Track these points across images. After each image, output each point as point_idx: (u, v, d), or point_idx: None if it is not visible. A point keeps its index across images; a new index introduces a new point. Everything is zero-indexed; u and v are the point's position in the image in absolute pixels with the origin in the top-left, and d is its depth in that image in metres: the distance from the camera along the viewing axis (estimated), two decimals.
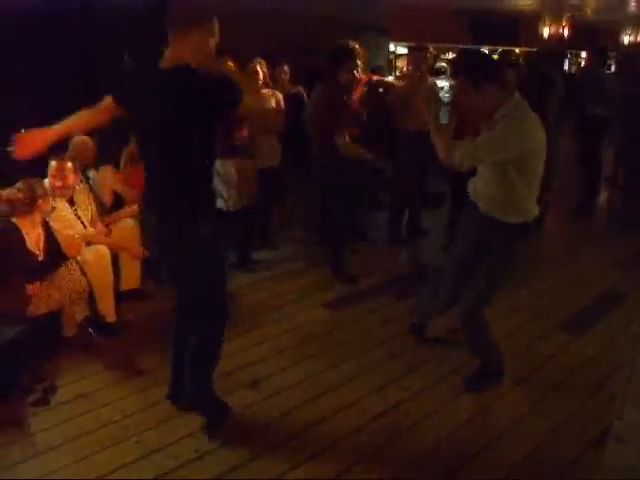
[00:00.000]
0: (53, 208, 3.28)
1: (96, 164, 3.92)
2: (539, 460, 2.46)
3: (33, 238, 3.10)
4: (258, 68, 4.24)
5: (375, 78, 4.63)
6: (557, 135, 5.08)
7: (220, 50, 2.39)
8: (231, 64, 3.81)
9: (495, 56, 11.29)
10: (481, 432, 2.61)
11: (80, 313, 3.20)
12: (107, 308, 3.37)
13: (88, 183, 3.76)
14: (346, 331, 3.51)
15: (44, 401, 2.77)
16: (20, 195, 3.03)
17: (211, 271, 2.40)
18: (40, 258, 3.12)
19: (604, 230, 5.72)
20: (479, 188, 2.69)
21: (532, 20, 12.05)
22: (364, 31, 6.83)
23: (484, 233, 2.71)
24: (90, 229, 3.51)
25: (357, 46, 3.80)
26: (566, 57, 13.77)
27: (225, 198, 4.03)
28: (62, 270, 3.15)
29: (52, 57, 5.51)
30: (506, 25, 12.49)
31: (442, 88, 8.46)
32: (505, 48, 12.18)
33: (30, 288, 3.03)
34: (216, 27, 2.22)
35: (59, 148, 3.66)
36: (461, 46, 10.49)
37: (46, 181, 3.37)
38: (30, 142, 2.32)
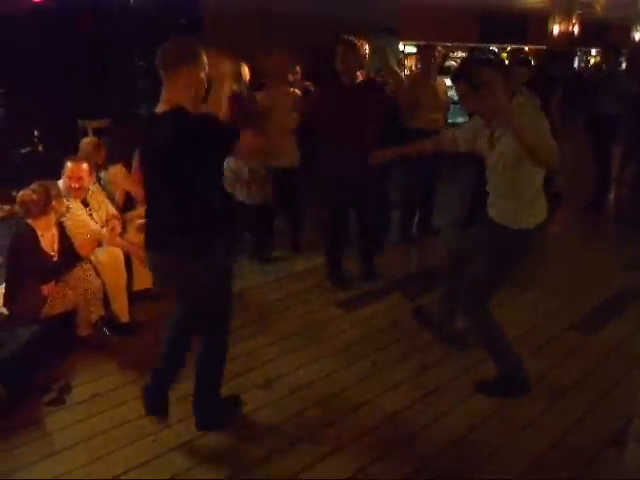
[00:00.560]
0: (68, 208, 3.31)
1: (106, 164, 3.95)
2: (555, 460, 2.44)
3: (48, 239, 3.13)
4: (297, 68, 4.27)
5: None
6: (563, 134, 5.06)
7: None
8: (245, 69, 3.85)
9: (504, 54, 11.25)
10: (496, 431, 2.60)
11: (95, 313, 3.23)
12: (121, 308, 3.39)
13: (100, 184, 3.79)
14: (359, 330, 3.50)
15: (59, 401, 2.79)
16: (34, 197, 3.06)
17: (215, 295, 2.42)
18: (55, 259, 3.14)
19: (615, 229, 5.67)
20: (491, 200, 2.72)
21: (541, 18, 11.97)
22: (375, 31, 6.81)
23: (493, 239, 2.73)
24: (103, 230, 3.53)
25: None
26: (576, 55, 13.67)
27: (236, 195, 4.05)
28: (77, 271, 3.17)
29: (64, 59, 5.56)
30: (515, 23, 12.43)
31: (451, 87, 8.45)
32: (514, 46, 12.11)
33: (45, 289, 3.05)
34: (205, 59, 2.24)
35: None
36: (470, 45, 10.46)
37: (60, 182, 3.41)
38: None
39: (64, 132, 5.11)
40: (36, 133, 5.62)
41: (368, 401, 2.81)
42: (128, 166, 4.17)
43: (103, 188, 3.80)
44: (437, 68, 4.87)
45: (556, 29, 11.77)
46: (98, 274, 3.28)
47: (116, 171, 3.98)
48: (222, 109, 2.35)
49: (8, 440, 2.51)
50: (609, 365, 3.15)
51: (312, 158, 4.53)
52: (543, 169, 2.52)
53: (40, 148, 5.60)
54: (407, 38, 9.64)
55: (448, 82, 5.35)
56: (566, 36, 11.84)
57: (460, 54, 11.03)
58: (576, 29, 11.86)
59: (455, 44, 11.24)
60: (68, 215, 3.32)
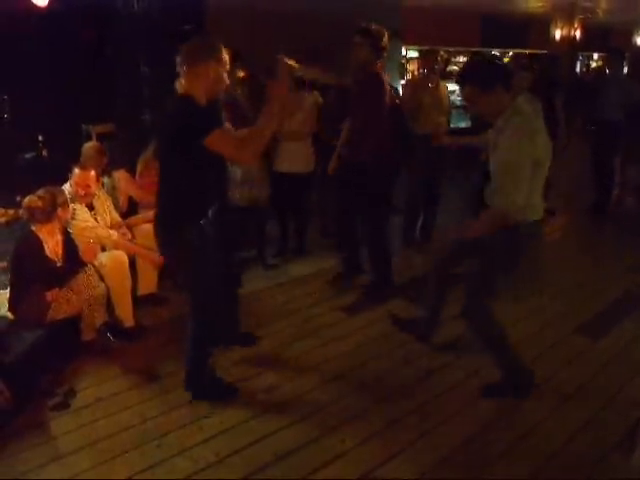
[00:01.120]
0: (73, 212, 3.32)
1: (109, 169, 3.97)
2: (561, 463, 2.44)
3: (52, 245, 3.13)
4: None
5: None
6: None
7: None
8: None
9: (506, 59, 11.27)
10: (501, 436, 2.60)
11: (99, 318, 3.23)
12: (125, 313, 3.40)
13: (103, 189, 3.80)
14: (361, 335, 3.50)
15: (64, 405, 2.79)
16: (40, 203, 3.07)
17: (195, 273, 2.65)
18: (59, 264, 3.15)
19: (618, 234, 5.66)
20: (488, 194, 2.72)
21: (543, 23, 12.00)
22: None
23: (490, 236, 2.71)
24: (111, 232, 3.54)
25: None
26: (578, 59, 13.68)
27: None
28: (81, 276, 3.18)
29: (68, 64, 5.59)
30: (517, 28, 12.46)
31: (453, 92, 8.47)
32: (516, 51, 12.14)
33: (49, 294, 3.06)
34: (224, 56, 2.49)
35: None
36: (473, 49, 10.48)
37: (66, 187, 3.42)
38: None
39: (68, 137, 5.13)
40: (40, 138, 5.64)
41: (372, 406, 2.81)
42: (132, 171, 4.19)
43: (106, 193, 3.81)
44: (440, 72, 4.89)
45: (558, 34, 11.79)
46: (102, 279, 3.28)
47: (119, 176, 4.00)
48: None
49: (13, 444, 2.51)
50: (614, 369, 3.14)
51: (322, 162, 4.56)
52: (541, 171, 2.59)
53: (44, 153, 5.62)
54: (409, 43, 9.65)
55: (450, 86, 5.38)
56: (568, 41, 11.86)
57: (462, 58, 11.05)
58: (578, 34, 11.88)
59: (457, 49, 11.26)
60: (74, 221, 3.33)
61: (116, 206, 3.86)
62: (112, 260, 3.38)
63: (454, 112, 5.78)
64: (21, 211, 3.26)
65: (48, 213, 3.07)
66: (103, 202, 3.63)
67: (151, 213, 3.82)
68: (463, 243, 2.93)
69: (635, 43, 14.07)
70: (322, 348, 3.34)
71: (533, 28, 12.50)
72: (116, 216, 3.75)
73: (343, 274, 4.27)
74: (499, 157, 2.54)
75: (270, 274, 4.40)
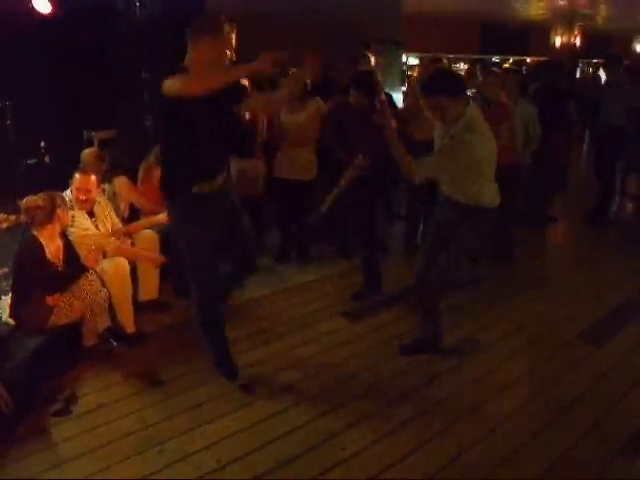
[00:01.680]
0: (72, 218, 3.32)
1: (109, 176, 3.97)
2: (564, 469, 2.42)
3: (53, 249, 3.13)
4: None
5: None
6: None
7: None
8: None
9: (507, 65, 11.32)
10: (505, 441, 2.59)
11: (101, 323, 3.23)
12: (126, 318, 3.39)
13: (103, 194, 3.80)
14: (363, 342, 3.49)
15: (66, 411, 2.78)
16: (40, 203, 3.07)
17: (185, 248, 2.74)
18: (60, 269, 3.15)
19: (620, 240, 5.66)
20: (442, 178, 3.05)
21: (543, 30, 12.07)
22: (378, 43, 6.86)
23: (443, 210, 3.09)
24: (111, 239, 3.54)
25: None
26: (578, 66, 13.75)
27: None
28: (83, 281, 3.17)
29: (70, 71, 5.61)
30: (516, 35, 12.53)
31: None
32: (516, 58, 12.20)
33: (50, 299, 3.05)
34: (226, 35, 2.50)
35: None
36: (473, 56, 10.53)
37: (66, 193, 3.42)
38: None
39: (70, 143, 5.13)
40: (42, 144, 5.65)
41: (373, 412, 2.80)
42: (133, 177, 4.19)
43: (107, 199, 3.82)
44: None
45: (558, 41, 11.85)
46: (104, 284, 3.28)
47: (120, 182, 4.00)
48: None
49: (14, 450, 2.50)
50: (617, 375, 3.14)
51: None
52: (488, 169, 2.89)
53: (46, 159, 5.63)
54: (410, 50, 9.71)
55: None
56: (568, 48, 11.93)
57: (462, 65, 11.11)
58: (578, 41, 11.95)
59: (457, 56, 11.32)
60: (72, 226, 3.33)
61: (117, 212, 3.87)
62: (113, 266, 3.37)
63: None
64: (22, 216, 3.27)
65: (47, 214, 3.07)
66: (104, 209, 3.63)
67: (152, 219, 3.86)
68: (430, 241, 3.20)
69: (635, 50, 14.13)
70: (324, 354, 3.34)
71: (533, 35, 12.57)
72: (117, 222, 3.75)
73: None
74: (466, 157, 2.76)
75: (272, 281, 4.40)
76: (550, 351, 3.38)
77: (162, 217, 3.91)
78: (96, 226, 3.53)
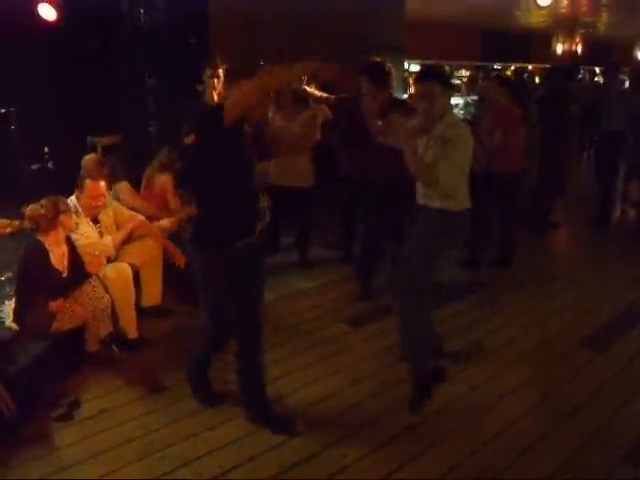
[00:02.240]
0: (77, 224, 3.33)
1: (110, 182, 3.98)
2: (569, 475, 2.42)
3: (57, 255, 3.14)
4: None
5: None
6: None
7: None
8: None
9: (508, 72, 11.35)
10: (508, 447, 2.58)
11: (104, 329, 3.23)
12: (129, 324, 3.40)
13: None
14: (366, 348, 3.49)
15: (68, 416, 2.79)
16: (43, 211, 3.08)
17: (204, 283, 2.68)
18: (64, 275, 3.15)
19: (622, 246, 5.66)
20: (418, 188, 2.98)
21: (544, 37, 12.11)
22: (380, 49, 6.89)
23: (418, 218, 2.99)
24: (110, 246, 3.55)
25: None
26: (579, 73, 13.78)
27: None
28: (85, 287, 3.18)
29: (74, 77, 5.64)
30: (518, 42, 12.57)
31: (457, 105, 8.53)
32: (517, 65, 12.23)
33: (53, 304, 3.06)
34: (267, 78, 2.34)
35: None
36: (474, 63, 10.57)
37: (71, 198, 3.43)
38: None
39: (74, 149, 5.16)
40: (46, 149, 5.68)
41: (377, 418, 2.79)
42: (136, 183, 4.20)
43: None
44: None
45: (559, 48, 11.89)
46: (107, 290, 3.28)
47: (122, 188, 4.01)
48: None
49: (17, 455, 2.50)
50: (620, 381, 3.13)
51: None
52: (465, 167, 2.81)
53: (50, 164, 5.66)
54: (412, 57, 9.74)
55: (455, 100, 5.42)
56: (569, 55, 11.96)
57: (464, 72, 11.14)
58: (579, 48, 11.99)
59: (459, 63, 11.36)
60: (77, 232, 3.34)
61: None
62: (116, 272, 3.38)
63: None
64: (25, 222, 3.28)
65: (51, 220, 3.08)
66: (109, 216, 3.64)
67: (155, 225, 3.87)
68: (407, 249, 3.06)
69: (636, 57, 14.17)
70: (325, 361, 3.33)
71: (534, 42, 12.61)
72: (127, 212, 3.74)
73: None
74: (460, 156, 2.73)
75: (273, 287, 4.39)
76: (554, 357, 3.38)
77: (165, 223, 3.93)
78: (100, 233, 3.54)
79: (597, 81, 11.46)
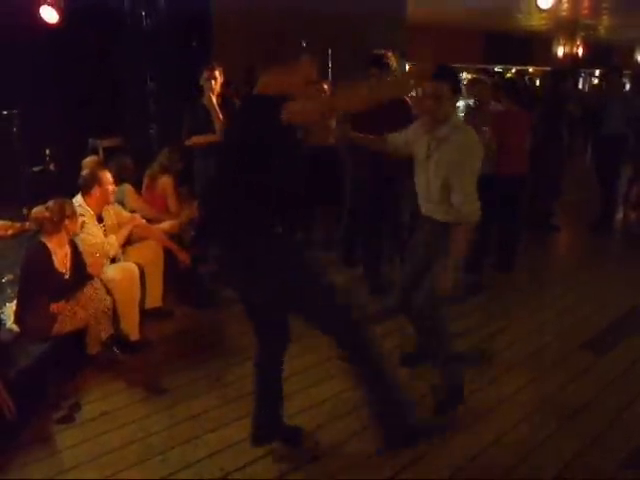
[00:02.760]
0: (83, 224, 3.33)
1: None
2: (570, 479, 2.42)
3: (60, 257, 3.14)
4: (325, 86, 4.39)
5: None
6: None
7: None
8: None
9: (509, 74, 11.36)
10: (509, 452, 2.57)
11: (105, 331, 3.22)
12: (131, 326, 3.40)
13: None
14: None
15: (69, 418, 2.79)
16: (48, 214, 3.09)
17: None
18: (66, 277, 3.16)
19: (624, 248, 5.66)
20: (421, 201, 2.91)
21: (546, 40, 12.11)
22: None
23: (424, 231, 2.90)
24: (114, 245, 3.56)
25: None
26: (580, 76, 13.79)
27: None
28: (87, 289, 3.18)
29: (76, 79, 5.65)
30: (519, 45, 12.57)
31: (457, 107, 8.52)
32: (519, 68, 12.25)
33: (56, 307, 3.06)
34: (309, 66, 2.22)
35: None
36: (477, 66, 10.57)
37: (76, 199, 3.43)
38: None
39: (75, 150, 5.17)
40: (47, 152, 5.69)
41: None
42: (137, 186, 4.21)
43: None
44: None
45: (560, 51, 11.90)
46: (109, 292, 3.28)
47: (126, 190, 4.02)
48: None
49: (18, 457, 2.51)
50: (621, 385, 3.12)
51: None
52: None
53: (52, 166, 5.67)
54: (413, 60, 9.74)
55: (458, 102, 5.41)
56: (570, 57, 11.97)
57: (466, 75, 11.14)
58: (580, 51, 11.99)
59: (461, 65, 11.35)
60: (82, 235, 3.35)
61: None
62: (122, 272, 3.38)
63: None
64: (28, 223, 3.28)
65: (56, 224, 3.09)
66: (111, 216, 3.64)
67: (157, 227, 3.87)
68: (414, 264, 2.95)
69: (637, 60, 14.17)
70: (323, 364, 3.32)
71: (536, 45, 12.61)
72: (127, 214, 3.77)
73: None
74: (467, 169, 2.60)
75: None
76: (554, 360, 3.37)
77: (166, 226, 3.94)
78: (105, 232, 3.54)
79: (596, 84, 11.50)
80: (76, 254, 3.24)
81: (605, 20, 10.89)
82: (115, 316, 3.34)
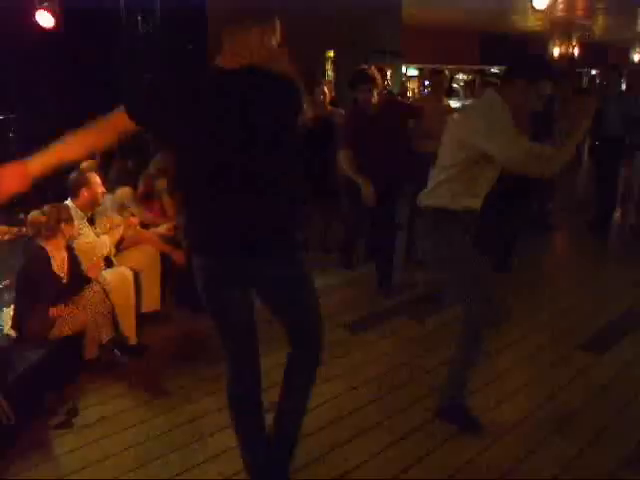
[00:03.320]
0: (80, 229, 3.33)
1: (111, 187, 3.99)
2: (571, 477, 2.41)
3: (59, 261, 3.14)
4: (325, 89, 4.40)
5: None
6: None
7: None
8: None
9: None
10: (507, 452, 2.57)
11: (106, 334, 3.21)
12: (129, 330, 3.39)
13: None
14: (365, 352, 3.49)
15: (67, 424, 2.77)
16: (43, 219, 3.08)
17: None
18: (65, 281, 3.15)
19: (621, 248, 5.67)
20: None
21: (541, 40, 12.14)
22: (378, 54, 6.92)
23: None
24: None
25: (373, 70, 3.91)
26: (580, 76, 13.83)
27: None
28: (86, 292, 3.18)
29: (74, 84, 5.65)
30: (516, 45, 12.59)
31: (454, 109, 8.54)
32: None
33: (53, 310, 3.06)
34: (277, 26, 1.94)
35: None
36: (475, 67, 10.60)
37: (68, 203, 3.43)
38: (7, 181, 1.89)
39: None
40: None
41: (377, 424, 2.78)
42: (135, 189, 4.21)
43: (106, 211, 3.81)
44: (445, 91, 4.97)
45: (556, 51, 11.93)
46: (107, 296, 3.28)
47: (123, 193, 4.01)
48: None
49: (15, 463, 2.49)
50: (619, 385, 3.12)
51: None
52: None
53: None
54: (409, 61, 9.77)
55: (454, 104, 5.44)
56: (566, 58, 12.00)
57: (462, 76, 11.16)
58: (576, 51, 12.02)
59: (457, 66, 11.38)
60: (79, 240, 3.35)
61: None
62: (117, 276, 3.38)
63: None
64: (24, 228, 3.28)
65: (52, 228, 3.08)
66: (103, 217, 3.64)
67: (154, 231, 3.87)
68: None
69: (632, 60, 14.21)
70: (324, 366, 3.29)
71: (532, 46, 12.64)
72: (118, 218, 3.77)
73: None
74: None
75: None
76: (553, 360, 3.38)
77: (162, 229, 3.94)
78: (96, 233, 3.54)
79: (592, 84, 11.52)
80: (74, 258, 3.24)
81: (600, 20, 10.92)
82: (114, 319, 3.33)
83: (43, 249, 3.08)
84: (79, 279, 3.22)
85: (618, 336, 3.67)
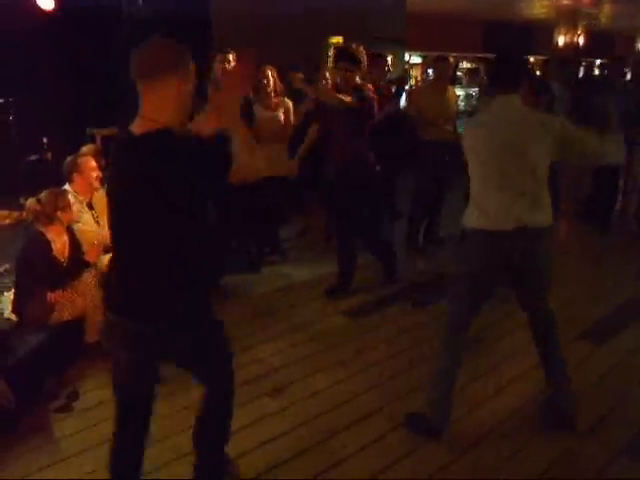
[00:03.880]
0: (79, 214, 3.32)
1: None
2: (566, 470, 2.42)
3: (59, 245, 3.13)
4: (269, 73, 4.29)
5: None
6: None
7: None
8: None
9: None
10: (506, 441, 2.58)
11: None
12: None
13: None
14: (365, 339, 3.49)
15: (67, 407, 2.79)
16: (40, 206, 3.07)
17: None
18: (65, 265, 3.15)
19: (622, 240, 5.65)
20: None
21: (547, 28, 12.03)
22: (382, 40, 6.85)
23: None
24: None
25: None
26: (581, 65, 13.70)
27: None
28: (85, 277, 3.18)
29: (73, 68, 5.61)
30: (520, 34, 12.48)
31: (458, 97, 8.49)
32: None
33: (54, 295, 3.06)
34: (192, 71, 1.79)
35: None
36: (479, 55, 10.51)
37: (67, 187, 3.41)
38: None
39: (72, 140, 5.14)
40: (44, 140, 5.66)
41: (376, 410, 2.79)
42: None
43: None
44: (449, 79, 4.93)
45: (561, 40, 11.81)
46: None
47: None
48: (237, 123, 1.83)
49: (16, 446, 2.51)
50: (619, 374, 3.13)
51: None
52: None
53: (48, 155, 5.65)
54: (413, 48, 9.69)
55: (458, 92, 5.40)
56: (571, 47, 11.89)
57: (466, 64, 11.07)
58: (581, 40, 11.91)
59: (460, 54, 11.28)
60: (78, 224, 3.34)
61: None
62: None
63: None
64: (24, 213, 3.27)
65: (49, 215, 3.07)
66: (102, 201, 3.63)
67: None
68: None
69: (638, 49, 14.09)
70: (324, 353, 3.33)
71: (537, 34, 12.53)
72: None
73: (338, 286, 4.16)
74: None
75: (273, 278, 4.40)
76: None
77: None
78: (97, 221, 3.53)
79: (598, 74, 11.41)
80: (74, 242, 3.23)
81: (606, 8, 10.81)
82: None
83: (43, 234, 3.07)
84: (79, 263, 3.22)
85: (619, 326, 3.67)
